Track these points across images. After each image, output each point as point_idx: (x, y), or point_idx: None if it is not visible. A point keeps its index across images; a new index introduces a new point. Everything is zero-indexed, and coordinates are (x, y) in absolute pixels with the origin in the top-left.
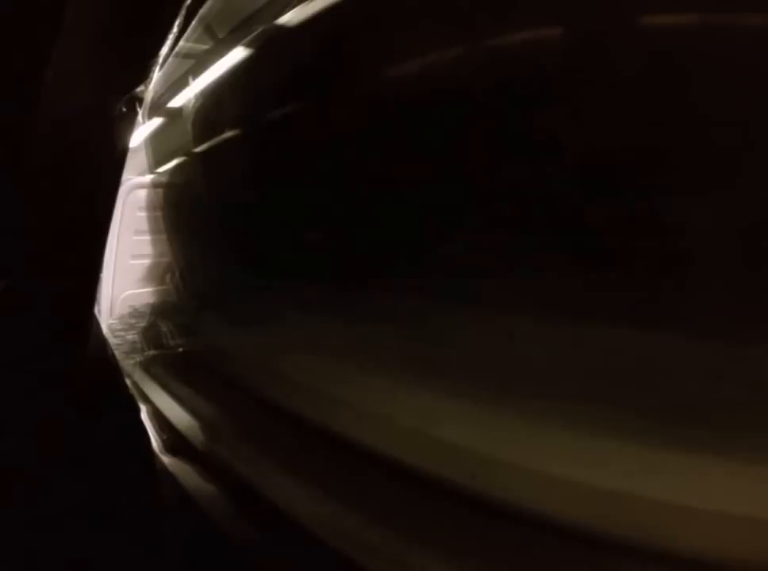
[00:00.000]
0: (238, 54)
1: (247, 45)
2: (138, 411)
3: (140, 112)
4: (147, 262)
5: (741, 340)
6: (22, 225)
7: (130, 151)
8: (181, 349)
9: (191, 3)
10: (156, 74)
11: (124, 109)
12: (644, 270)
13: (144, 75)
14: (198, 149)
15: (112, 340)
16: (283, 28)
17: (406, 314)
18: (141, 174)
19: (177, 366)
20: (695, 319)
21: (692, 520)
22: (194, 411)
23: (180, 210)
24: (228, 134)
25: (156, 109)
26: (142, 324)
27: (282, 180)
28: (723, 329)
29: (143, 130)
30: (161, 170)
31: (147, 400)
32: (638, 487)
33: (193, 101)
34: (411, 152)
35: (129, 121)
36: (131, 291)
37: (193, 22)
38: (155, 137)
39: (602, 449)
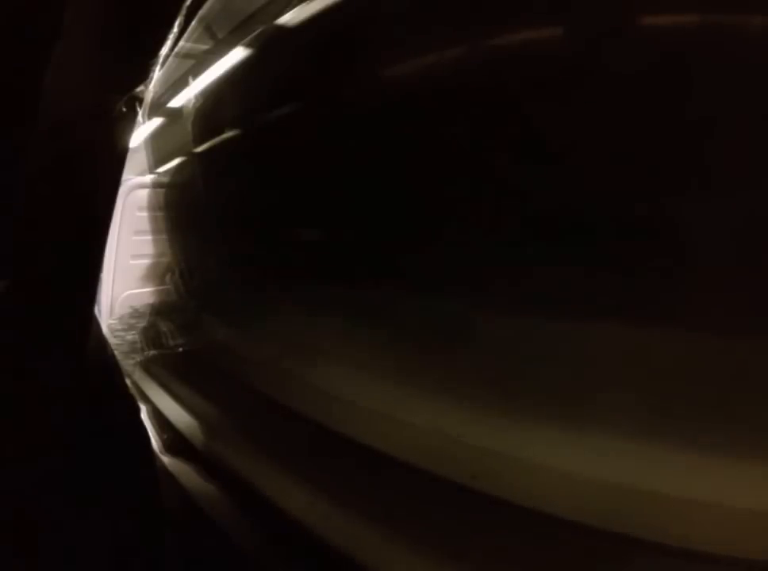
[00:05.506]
0: (238, 54)
1: (247, 45)
2: (138, 411)
3: (140, 112)
4: (147, 262)
5: (740, 337)
6: (23, 225)
7: (130, 151)
8: (181, 349)
9: (191, 3)
10: (156, 74)
11: (124, 109)
12: (646, 269)
13: (144, 75)
14: (198, 149)
15: (112, 340)
16: (283, 28)
17: (405, 313)
18: (141, 174)
19: (177, 366)
20: (695, 316)
21: (692, 514)
22: (194, 410)
23: (180, 210)
24: (228, 134)
25: (156, 109)
26: (142, 324)
27: (281, 180)
28: (723, 327)
29: (143, 130)
30: (161, 170)
31: (147, 400)
32: (640, 482)
33: (193, 101)
34: (410, 152)
35: (129, 121)
36: (131, 291)
37: (193, 22)
38: (155, 137)
39: (605, 445)
